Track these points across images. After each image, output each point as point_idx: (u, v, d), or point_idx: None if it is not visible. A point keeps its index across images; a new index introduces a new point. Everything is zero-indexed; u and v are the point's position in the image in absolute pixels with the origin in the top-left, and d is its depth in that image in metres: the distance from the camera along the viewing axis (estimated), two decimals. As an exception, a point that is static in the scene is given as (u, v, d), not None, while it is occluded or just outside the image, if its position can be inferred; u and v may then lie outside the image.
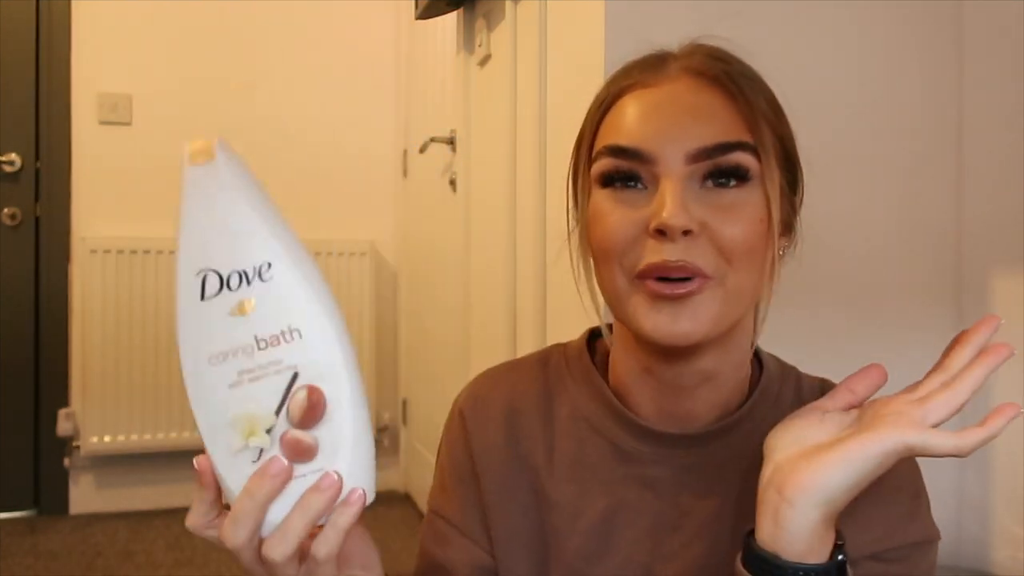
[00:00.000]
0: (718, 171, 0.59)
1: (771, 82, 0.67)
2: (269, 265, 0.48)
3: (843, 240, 1.34)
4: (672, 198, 0.57)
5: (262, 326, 0.48)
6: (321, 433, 0.48)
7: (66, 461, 2.75)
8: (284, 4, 2.94)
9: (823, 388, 0.69)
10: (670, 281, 0.58)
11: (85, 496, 2.77)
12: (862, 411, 0.56)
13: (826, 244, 1.31)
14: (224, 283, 0.48)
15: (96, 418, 2.70)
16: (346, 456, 0.48)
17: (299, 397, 0.47)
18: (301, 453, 0.48)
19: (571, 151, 0.69)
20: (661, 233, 0.57)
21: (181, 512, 2.37)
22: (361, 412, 0.49)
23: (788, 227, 0.66)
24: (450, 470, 0.72)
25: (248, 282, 0.48)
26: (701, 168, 0.59)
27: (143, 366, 2.74)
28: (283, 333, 0.48)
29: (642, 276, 0.59)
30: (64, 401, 2.76)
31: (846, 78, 1.33)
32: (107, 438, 2.71)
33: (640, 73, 0.64)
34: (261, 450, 0.48)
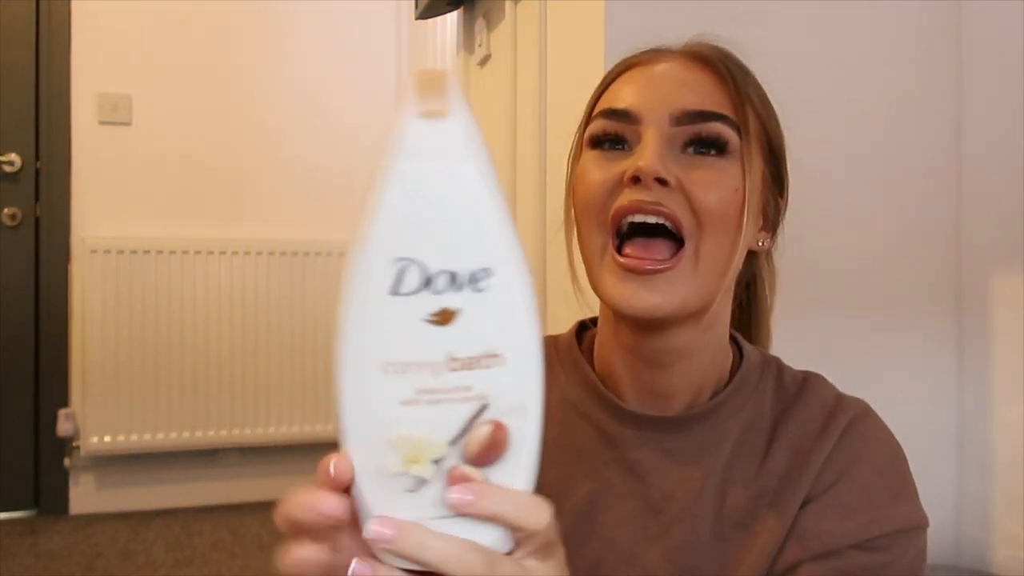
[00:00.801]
0: (698, 139, 0.62)
1: (770, 83, 0.67)
2: (488, 272, 0.39)
3: (843, 240, 1.34)
4: (651, 149, 0.60)
5: (461, 344, 0.39)
6: (494, 475, 0.40)
7: (66, 461, 2.75)
8: (284, 4, 2.94)
9: (805, 380, 0.70)
10: (643, 260, 0.60)
11: (85, 496, 2.77)
12: None
13: (826, 244, 1.31)
14: (427, 281, 0.38)
15: (96, 418, 2.70)
16: None
17: (482, 432, 0.39)
18: None
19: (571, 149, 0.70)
20: (636, 180, 0.60)
21: (181, 512, 2.36)
22: (537, 461, 0.41)
23: (772, 223, 0.68)
24: None
25: (458, 287, 0.38)
26: (683, 133, 0.62)
27: (143, 366, 2.74)
28: (484, 356, 0.39)
29: (615, 218, 0.61)
30: (64, 401, 2.76)
31: (846, 78, 1.33)
32: (107, 438, 2.71)
33: (641, 55, 0.68)
34: (422, 480, 0.40)
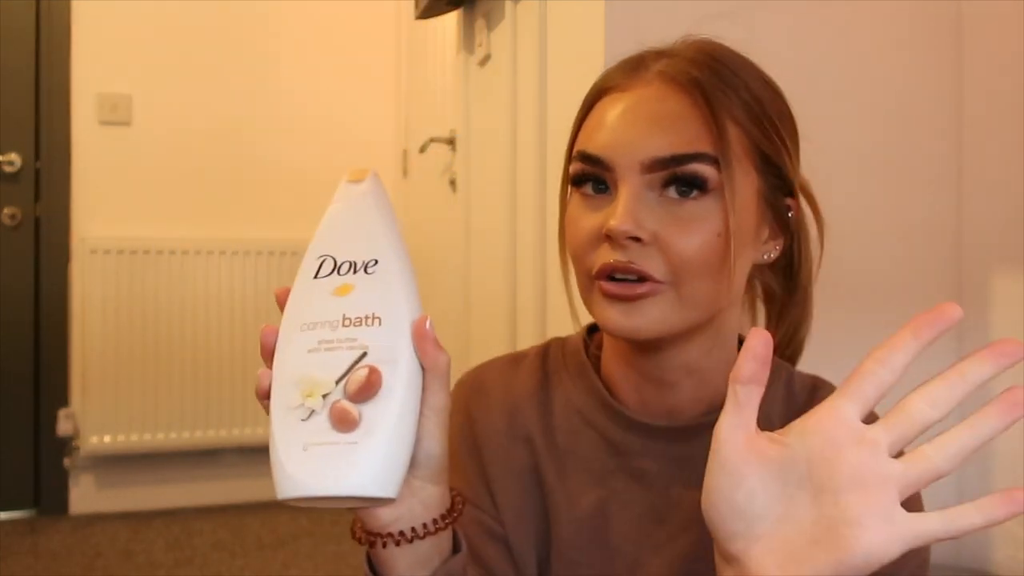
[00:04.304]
0: (677, 180, 0.60)
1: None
2: (376, 262, 0.55)
3: (843, 240, 1.33)
4: (623, 206, 0.59)
5: (352, 308, 0.53)
6: (367, 410, 0.51)
7: (66, 461, 2.75)
8: (284, 4, 2.94)
9: (815, 387, 0.70)
10: (623, 282, 0.60)
11: (85, 496, 2.77)
12: (805, 458, 0.48)
13: (826, 244, 1.31)
14: (336, 268, 0.55)
15: (96, 418, 2.70)
16: (381, 439, 0.50)
17: (360, 373, 0.51)
18: (344, 423, 0.50)
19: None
20: (610, 238, 0.59)
21: (181, 512, 2.36)
22: (409, 410, 0.52)
23: (776, 230, 0.67)
24: (454, 447, 0.73)
25: (355, 272, 0.54)
26: (659, 177, 0.60)
27: (143, 366, 2.74)
28: (367, 318, 0.52)
29: (597, 277, 0.61)
30: (64, 401, 2.76)
31: (846, 78, 1.33)
32: (107, 438, 2.71)
33: (619, 75, 0.66)
34: (312, 411, 0.51)
